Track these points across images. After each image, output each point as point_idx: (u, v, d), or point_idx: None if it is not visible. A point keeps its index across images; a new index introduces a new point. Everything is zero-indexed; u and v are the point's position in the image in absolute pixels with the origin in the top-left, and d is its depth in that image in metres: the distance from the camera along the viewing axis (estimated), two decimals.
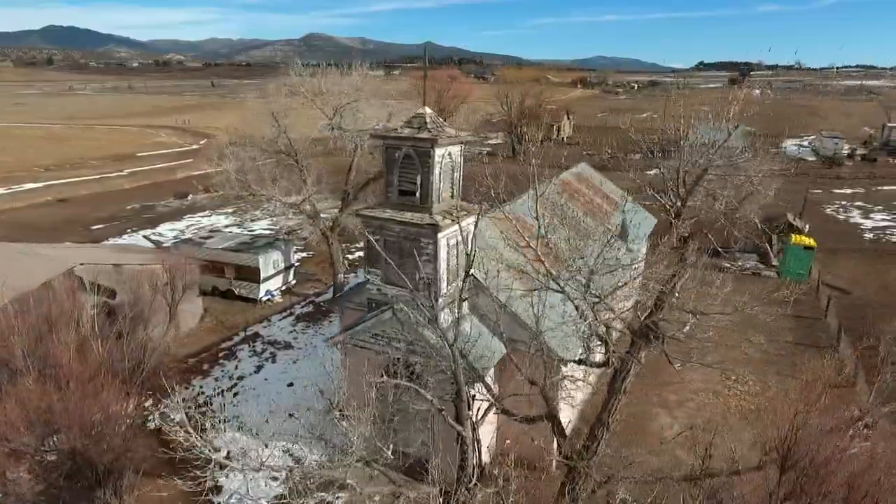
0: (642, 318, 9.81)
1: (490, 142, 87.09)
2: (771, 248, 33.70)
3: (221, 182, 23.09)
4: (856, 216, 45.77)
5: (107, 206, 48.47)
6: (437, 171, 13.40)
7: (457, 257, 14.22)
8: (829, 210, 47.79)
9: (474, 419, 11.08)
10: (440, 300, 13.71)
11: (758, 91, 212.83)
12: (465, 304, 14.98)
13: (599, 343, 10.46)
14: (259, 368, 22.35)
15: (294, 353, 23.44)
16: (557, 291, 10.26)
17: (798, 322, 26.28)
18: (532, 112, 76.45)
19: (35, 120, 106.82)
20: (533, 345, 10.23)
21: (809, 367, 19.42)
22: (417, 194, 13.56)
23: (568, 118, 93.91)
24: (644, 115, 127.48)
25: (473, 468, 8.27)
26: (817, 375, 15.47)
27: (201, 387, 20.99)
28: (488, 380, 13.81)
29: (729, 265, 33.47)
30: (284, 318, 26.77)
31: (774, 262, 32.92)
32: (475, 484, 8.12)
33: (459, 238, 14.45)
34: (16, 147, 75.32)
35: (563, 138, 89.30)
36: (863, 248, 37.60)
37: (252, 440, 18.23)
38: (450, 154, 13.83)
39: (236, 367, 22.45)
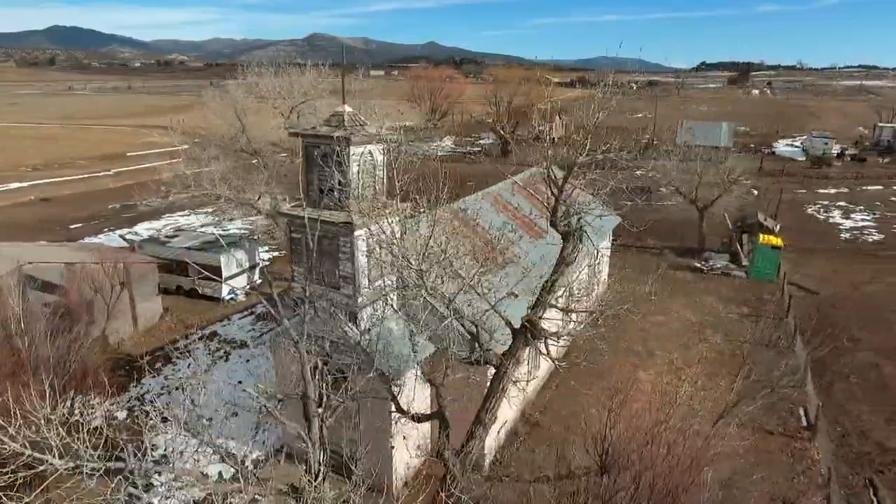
0: (522, 317, 9.75)
1: (482, 142, 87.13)
2: (741, 247, 33.58)
3: (173, 181, 23.15)
4: (836, 216, 45.55)
5: (89, 205, 48.69)
6: (354, 169, 13.41)
7: (379, 256, 14.20)
8: (810, 210, 47.59)
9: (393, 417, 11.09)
10: (360, 298, 13.71)
11: (756, 91, 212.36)
12: (392, 303, 14.99)
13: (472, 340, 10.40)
14: (210, 367, 22.42)
15: (248, 351, 23.49)
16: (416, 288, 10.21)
17: (760, 322, 26.17)
18: (521, 112, 76.37)
19: (29, 120, 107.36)
20: (419, 345, 10.19)
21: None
22: (335, 192, 13.56)
23: (560, 118, 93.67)
24: (640, 114, 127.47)
25: (320, 465, 8.28)
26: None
27: (150, 385, 21.09)
28: (414, 379, 13.83)
29: (699, 265, 33.48)
30: (245, 316, 26.85)
31: (744, 262, 32.80)
32: (322, 481, 8.14)
33: (382, 236, 14.45)
34: (5, 147, 75.72)
35: (554, 138, 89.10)
36: (838, 248, 37.44)
37: (192, 439, 18.28)
38: (370, 152, 13.82)
39: (189, 366, 22.50)
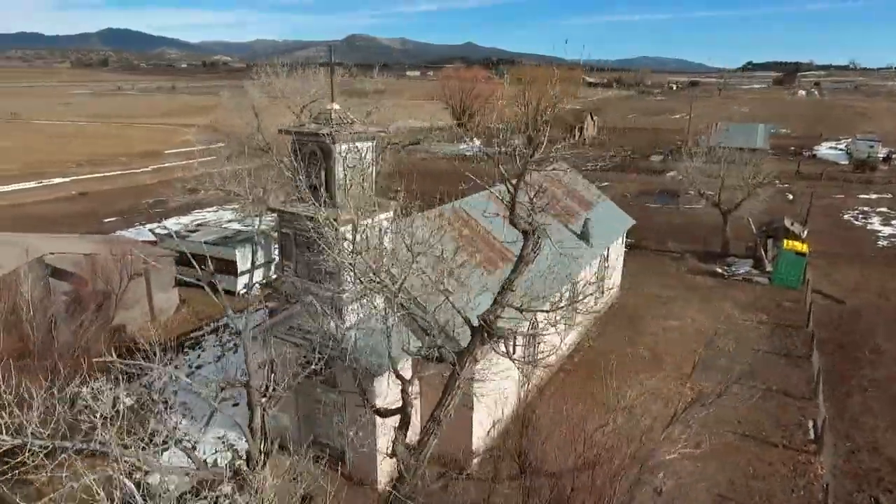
0: (479, 315, 9.68)
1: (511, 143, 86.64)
2: (766, 253, 32.44)
3: (188, 180, 23.90)
4: (875, 223, 43.48)
5: (124, 200, 50.64)
6: (340, 166, 13.59)
7: (366, 253, 14.34)
8: (846, 215, 45.57)
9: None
10: (345, 294, 13.89)
11: (803, 92, 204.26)
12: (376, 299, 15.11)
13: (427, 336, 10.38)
14: (219, 358, 23.06)
15: (257, 344, 24.03)
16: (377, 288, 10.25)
17: (778, 330, 25.27)
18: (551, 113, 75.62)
19: (78, 118, 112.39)
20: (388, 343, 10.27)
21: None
22: (322, 189, 13.78)
23: (592, 119, 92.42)
24: (677, 115, 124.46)
25: (261, 453, 8.43)
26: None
27: (160, 373, 21.82)
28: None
29: (721, 270, 32.53)
30: (258, 310, 27.48)
31: (768, 268, 31.68)
32: (262, 467, 8.29)
33: (370, 233, 14.59)
34: (53, 143, 79.51)
35: (584, 139, 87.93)
36: (872, 256, 35.75)
37: (193, 427, 18.89)
38: (357, 150, 13.98)
39: (198, 356, 23.23)
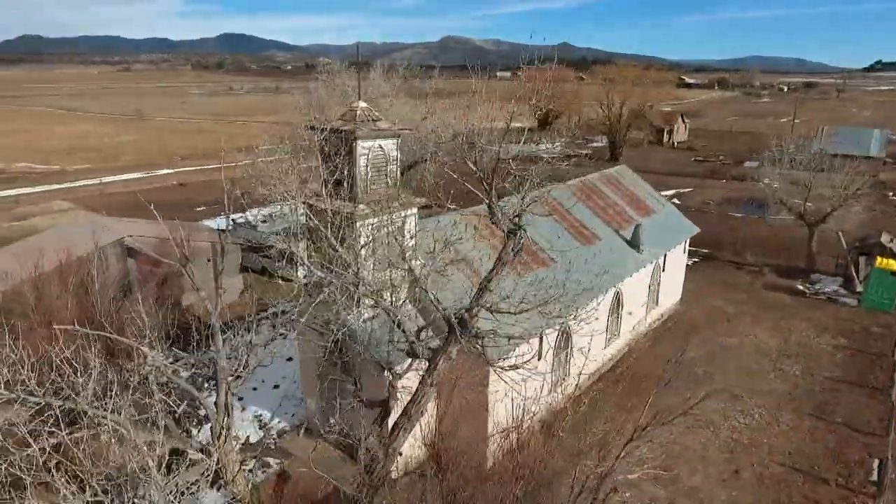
0: (453, 313, 9.52)
1: (593, 144, 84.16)
2: (857, 272, 29.28)
3: (265, 175, 25.37)
4: None
5: (216, 191, 54.76)
6: (361, 162, 13.95)
7: (386, 247, 14.63)
8: None
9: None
10: (361, 287, 14.22)
11: None
12: (403, 294, 15.33)
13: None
14: (269, 342, 24.34)
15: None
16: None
17: (857, 357, 22.75)
18: (637, 114, 72.55)
19: (191, 116, 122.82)
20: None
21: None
22: (346, 184, 14.21)
23: (683, 121, 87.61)
24: (784, 119, 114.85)
25: (222, 428, 8.80)
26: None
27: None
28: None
29: (802, 287, 29.87)
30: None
31: (859, 289, 28.58)
32: (224, 443, 8.65)
33: (391, 228, 14.86)
34: (164, 137, 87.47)
35: (673, 142, 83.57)
36: None
37: (235, 402, 20.11)
38: (380, 147, 14.28)
39: (251, 340, 24.68)
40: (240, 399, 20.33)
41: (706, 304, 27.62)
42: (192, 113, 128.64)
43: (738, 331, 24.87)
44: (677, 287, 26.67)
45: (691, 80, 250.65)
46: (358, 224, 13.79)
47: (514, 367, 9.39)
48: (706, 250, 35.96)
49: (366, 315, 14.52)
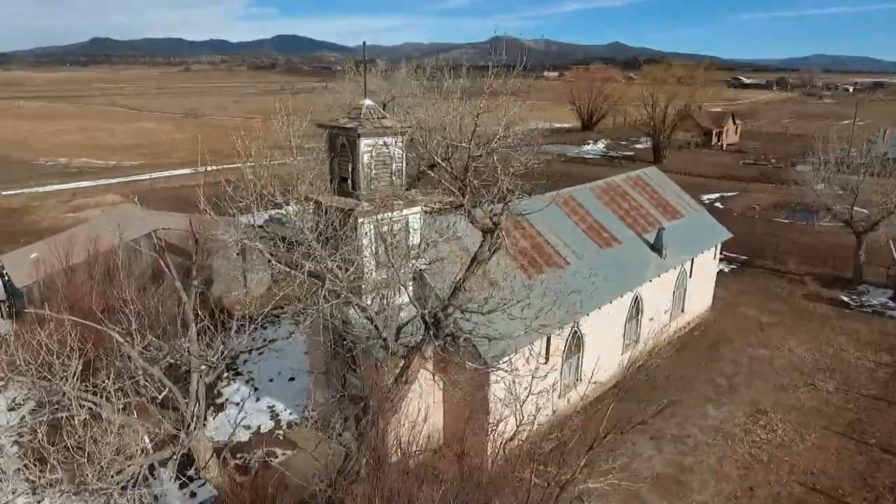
0: (428, 311, 9.38)
1: (637, 146, 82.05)
2: None
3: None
4: None
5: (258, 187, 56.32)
6: (364, 159, 14.02)
7: (392, 244, 14.65)
8: None
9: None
10: (363, 283, 14.31)
11: None
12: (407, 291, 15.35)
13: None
14: (291, 335, 24.89)
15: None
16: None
17: None
18: (684, 115, 70.16)
19: (241, 113, 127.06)
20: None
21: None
22: (349, 181, 14.34)
23: (734, 122, 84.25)
24: (847, 121, 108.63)
25: (193, 416, 8.94)
26: None
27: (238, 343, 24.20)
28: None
29: (847, 299, 28.24)
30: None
31: None
32: (195, 430, 8.81)
33: (397, 226, 14.89)
34: (215, 135, 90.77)
35: (722, 144, 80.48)
36: None
37: (250, 392, 20.65)
38: (385, 144, 14.31)
39: (275, 332, 25.30)
40: (255, 390, 20.84)
41: (739, 313, 26.44)
42: (242, 112, 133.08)
43: (771, 342, 23.69)
44: (707, 294, 25.63)
45: (748, 80, 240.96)
46: (359, 220, 13.87)
47: (490, 369, 9.19)
48: (745, 257, 34.44)
49: (372, 309, 14.60)
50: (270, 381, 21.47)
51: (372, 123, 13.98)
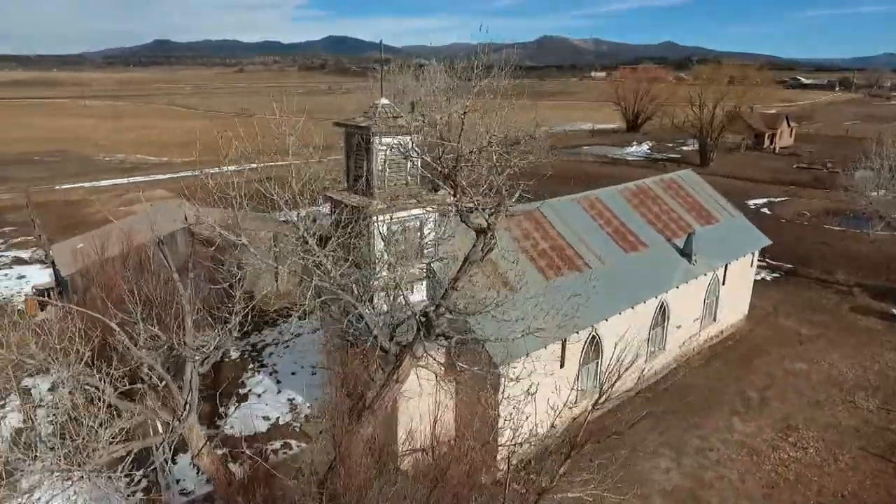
0: (419, 311, 9.28)
1: (684, 148, 79.55)
2: None
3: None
4: None
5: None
6: (378, 158, 14.09)
7: (403, 243, 14.68)
8: None
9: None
10: (374, 281, 14.39)
11: None
12: (417, 289, 15.34)
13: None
14: (316, 330, 25.33)
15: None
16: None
17: None
18: (734, 116, 67.51)
19: (288, 114, 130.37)
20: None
21: None
22: (364, 179, 14.45)
23: (788, 124, 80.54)
24: None
25: (186, 404, 9.10)
26: None
27: (266, 336, 24.85)
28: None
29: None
30: None
31: None
32: (186, 417, 8.99)
33: (410, 225, 14.93)
34: (260, 133, 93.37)
35: (775, 147, 77.06)
36: None
37: (273, 384, 21.14)
38: (399, 143, 14.35)
39: (301, 326, 25.81)
40: (278, 382, 21.33)
41: (777, 324, 25.24)
42: (288, 112, 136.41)
43: (810, 355, 22.50)
44: (742, 303, 24.56)
45: (807, 80, 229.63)
46: (372, 218, 13.95)
47: (468, 370, 9.06)
48: (790, 265, 32.87)
49: (380, 307, 14.67)
50: (293, 374, 21.91)
51: (386, 123, 14.04)
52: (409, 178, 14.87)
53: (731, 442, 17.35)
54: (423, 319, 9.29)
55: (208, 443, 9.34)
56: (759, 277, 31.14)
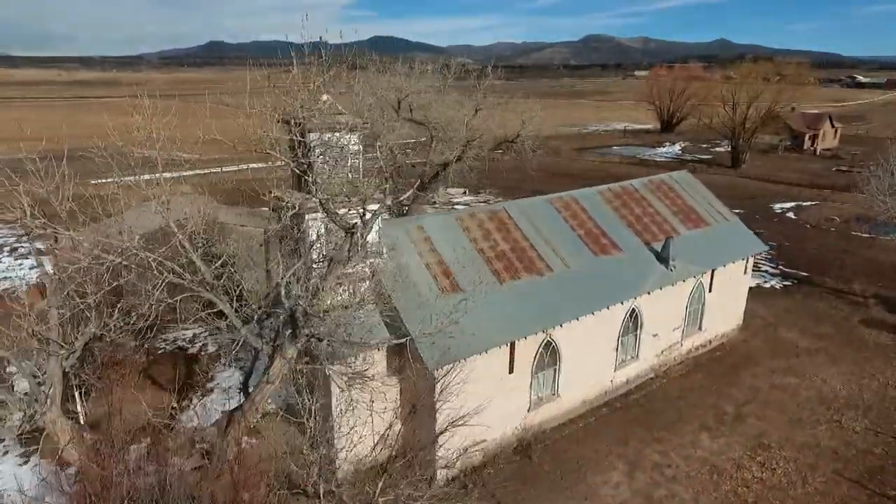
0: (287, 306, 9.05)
1: (717, 149, 76.54)
2: None
3: None
4: None
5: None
6: (315, 154, 13.99)
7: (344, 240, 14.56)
8: None
9: None
10: (312, 279, 14.31)
11: None
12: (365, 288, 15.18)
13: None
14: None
15: None
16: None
17: None
18: (771, 116, 64.39)
19: None
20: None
21: None
22: (302, 177, 14.37)
23: (832, 125, 76.37)
24: None
25: (46, 397, 9.18)
26: None
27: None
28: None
29: None
30: None
31: None
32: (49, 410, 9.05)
33: (358, 222, 14.80)
34: None
35: (816, 149, 73.19)
36: None
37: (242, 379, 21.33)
38: (338, 140, 14.20)
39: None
40: (248, 377, 21.50)
41: (775, 335, 23.85)
42: None
43: (804, 370, 21.16)
44: (734, 312, 23.32)
45: (865, 79, 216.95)
46: (307, 217, 13.87)
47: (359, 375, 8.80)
48: (804, 273, 31.10)
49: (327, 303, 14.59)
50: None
51: (324, 118, 13.93)
52: (351, 174, 14.72)
53: (694, 458, 16.45)
54: (289, 319, 9.11)
55: (80, 436, 9.44)
56: (768, 285, 29.58)
